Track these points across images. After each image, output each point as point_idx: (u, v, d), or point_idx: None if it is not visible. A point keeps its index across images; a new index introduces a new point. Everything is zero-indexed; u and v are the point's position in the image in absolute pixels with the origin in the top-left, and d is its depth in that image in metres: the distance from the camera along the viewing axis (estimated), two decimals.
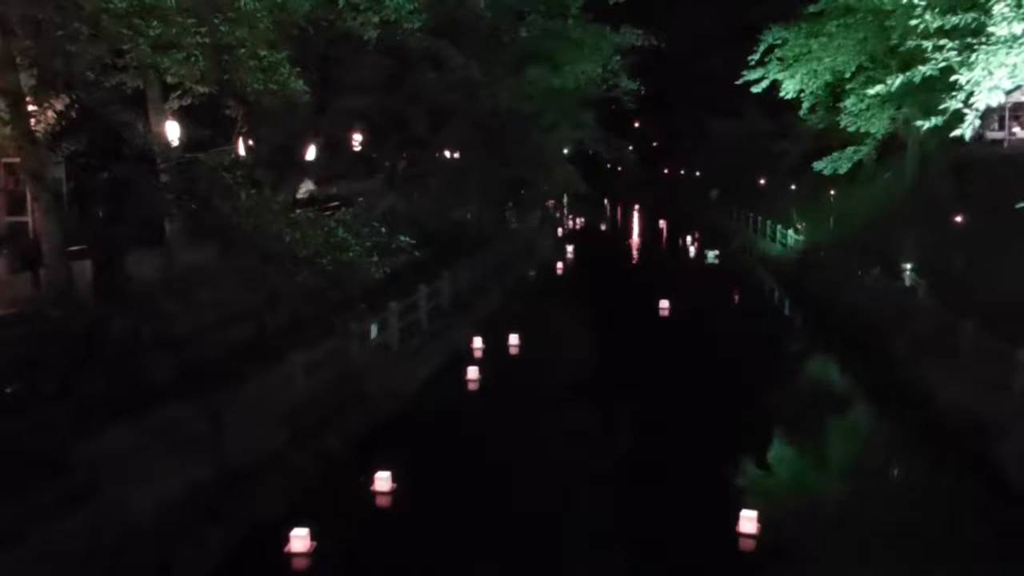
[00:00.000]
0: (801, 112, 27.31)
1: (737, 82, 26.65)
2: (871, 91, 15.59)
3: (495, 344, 20.20)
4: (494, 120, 28.70)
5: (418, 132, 26.64)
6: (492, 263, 28.66)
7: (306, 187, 23.13)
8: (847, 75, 23.33)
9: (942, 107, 12.70)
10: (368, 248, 15.69)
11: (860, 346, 19.62)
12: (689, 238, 46.07)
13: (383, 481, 11.88)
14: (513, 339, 20.61)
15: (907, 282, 21.42)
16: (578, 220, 58.76)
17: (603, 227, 58.55)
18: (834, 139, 27.21)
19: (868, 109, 23.49)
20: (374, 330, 16.90)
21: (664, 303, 25.12)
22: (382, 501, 11.76)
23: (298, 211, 16.73)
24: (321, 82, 19.46)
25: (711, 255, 37.47)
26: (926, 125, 13.55)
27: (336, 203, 22.70)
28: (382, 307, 17.48)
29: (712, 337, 22.25)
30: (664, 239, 52.04)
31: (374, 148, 27.87)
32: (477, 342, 20.13)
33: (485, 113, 27.94)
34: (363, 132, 26.72)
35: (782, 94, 25.67)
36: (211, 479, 10.49)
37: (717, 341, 21.76)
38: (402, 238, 17.80)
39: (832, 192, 33.40)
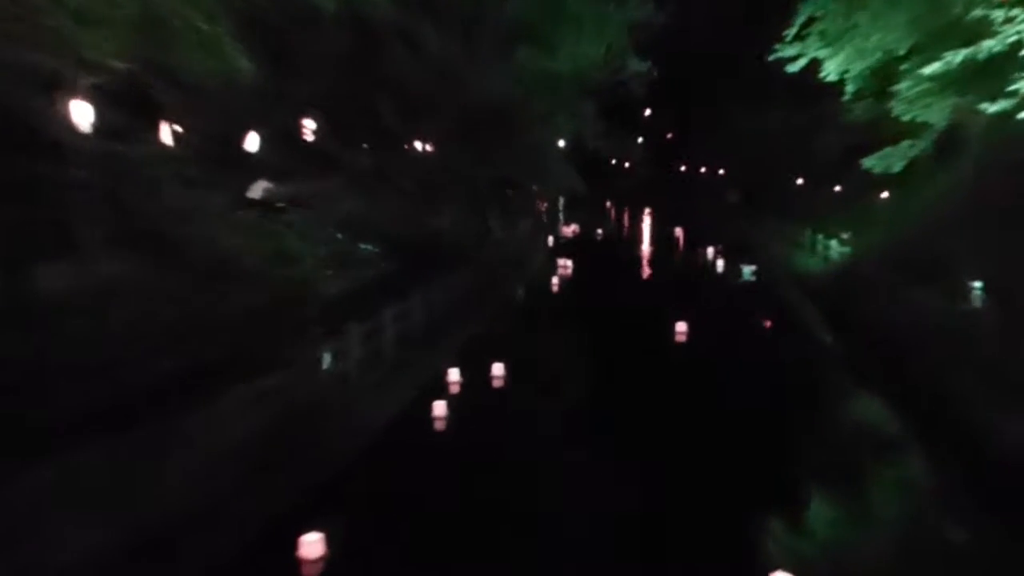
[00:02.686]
0: (845, 98, 27.51)
1: (769, 59, 26.79)
2: (928, 70, 15.75)
3: (475, 377, 20.21)
4: (477, 110, 28.79)
5: (386, 122, 26.67)
6: (473, 279, 28.67)
7: (258, 186, 23.11)
8: (900, 54, 23.47)
9: (1011, 88, 12.82)
10: (324, 259, 15.68)
11: (917, 387, 19.61)
12: (711, 250, 46.28)
13: (313, 546, 11.73)
14: (497, 370, 20.61)
15: (974, 302, 21.51)
16: (576, 228, 58.98)
17: (606, 236, 58.71)
18: (885, 131, 27.39)
19: (925, 94, 23.62)
20: (329, 359, 16.81)
21: (680, 328, 25.20)
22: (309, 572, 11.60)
23: (240, 214, 16.72)
24: (271, 62, 19.48)
25: (746, 272, 37.74)
26: (992, 108, 13.68)
27: (286, 205, 22.67)
28: (340, 331, 17.45)
29: (737, 372, 22.15)
30: (679, 251, 52.26)
31: (333, 141, 27.82)
32: (454, 374, 20.08)
33: (466, 101, 28.02)
34: (320, 121, 26.71)
35: (822, 75, 25.81)
36: (109, 548, 10.35)
37: (743, 377, 21.61)
38: (365, 248, 17.82)
39: (883, 195, 33.65)
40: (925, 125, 24.94)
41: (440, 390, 19.05)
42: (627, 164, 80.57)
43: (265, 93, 20.33)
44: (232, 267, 14.45)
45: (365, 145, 29.00)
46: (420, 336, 22.05)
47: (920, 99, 23.77)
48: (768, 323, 29.83)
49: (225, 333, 15.56)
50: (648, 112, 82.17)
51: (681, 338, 25.42)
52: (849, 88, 26.63)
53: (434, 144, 32.46)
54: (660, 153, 78.84)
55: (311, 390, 15.69)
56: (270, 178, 24.04)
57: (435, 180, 30.70)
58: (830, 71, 25.44)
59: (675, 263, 46.81)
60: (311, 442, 14.82)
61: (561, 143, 46.53)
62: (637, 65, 32.31)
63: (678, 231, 58.69)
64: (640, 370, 22.22)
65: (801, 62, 25.93)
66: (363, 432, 16.28)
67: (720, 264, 42.53)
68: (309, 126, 26.56)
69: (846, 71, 25.43)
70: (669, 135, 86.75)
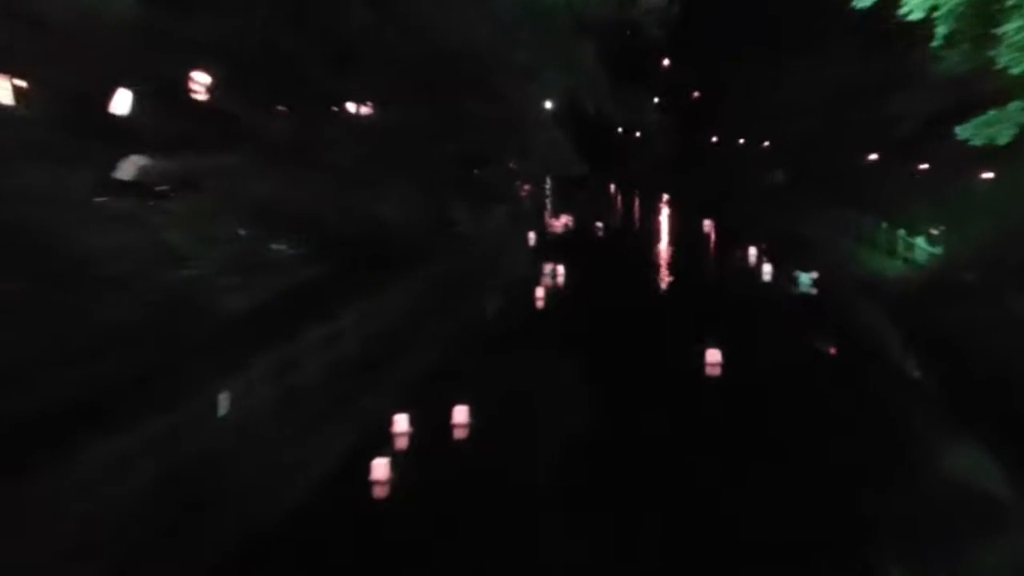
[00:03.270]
0: (933, 45, 27.52)
1: None
2: None
3: (431, 424, 20.21)
4: (435, 59, 28.70)
5: (311, 75, 26.51)
6: (430, 290, 28.65)
7: (130, 163, 22.88)
8: None
9: None
10: (223, 263, 15.50)
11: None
12: (753, 250, 46.31)
13: None
14: (459, 415, 20.61)
15: None
16: (569, 220, 59.01)
17: (610, 231, 58.81)
18: (988, 90, 27.45)
19: None
20: (226, 401, 16.63)
21: (714, 359, 25.34)
22: None
23: (106, 200, 16.54)
24: None
25: (804, 280, 37.83)
26: None
27: (170, 188, 22.45)
28: (244, 361, 17.26)
29: (795, 424, 21.79)
30: (709, 252, 52.43)
31: (237, 100, 27.61)
32: (401, 421, 20.02)
33: (422, 47, 27.91)
34: (218, 74, 26.48)
35: (902, 12, 25.75)
36: None
37: (804, 435, 21.14)
38: (279, 247, 17.62)
39: (986, 176, 33.74)
40: None
41: (381, 445, 18.87)
42: (639, 134, 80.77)
43: (148, 34, 20.13)
44: (93, 273, 14.23)
45: (281, 107, 28.79)
46: (356, 369, 21.93)
47: None
48: (834, 351, 29.81)
49: (80, 364, 15.31)
50: (667, 64, 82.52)
51: (713, 371, 25.30)
52: (939, 30, 26.57)
53: (377, 106, 32.28)
54: (683, 119, 78.90)
55: (198, 447, 15.43)
56: (148, 151, 23.78)
57: (379, 154, 30.45)
58: (913, 5, 25.42)
59: (704, 269, 46.94)
60: (204, 520, 14.53)
61: (549, 105, 46.48)
62: None
63: (707, 224, 58.97)
64: (652, 417, 22.05)
65: None
66: (267, 513, 15.91)
67: (766, 270, 42.59)
68: (201, 80, 26.32)
69: (935, 5, 25.42)
70: (695, 95, 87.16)
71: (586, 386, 24.80)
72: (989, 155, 29.49)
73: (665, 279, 43.53)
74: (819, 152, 54.04)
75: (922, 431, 22.93)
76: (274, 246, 19.47)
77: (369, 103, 32.39)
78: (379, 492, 17.24)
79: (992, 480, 19.90)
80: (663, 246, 54.14)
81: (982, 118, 27.15)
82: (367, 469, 17.45)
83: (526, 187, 49.64)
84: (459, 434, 20.18)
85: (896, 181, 42.11)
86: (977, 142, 27.43)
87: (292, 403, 18.80)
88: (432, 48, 28.54)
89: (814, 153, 55.01)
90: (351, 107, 32.45)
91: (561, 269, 40.33)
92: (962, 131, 27.85)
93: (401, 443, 19.37)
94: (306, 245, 25.56)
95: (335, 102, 30.39)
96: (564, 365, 26.83)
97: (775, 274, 41.55)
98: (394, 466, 17.66)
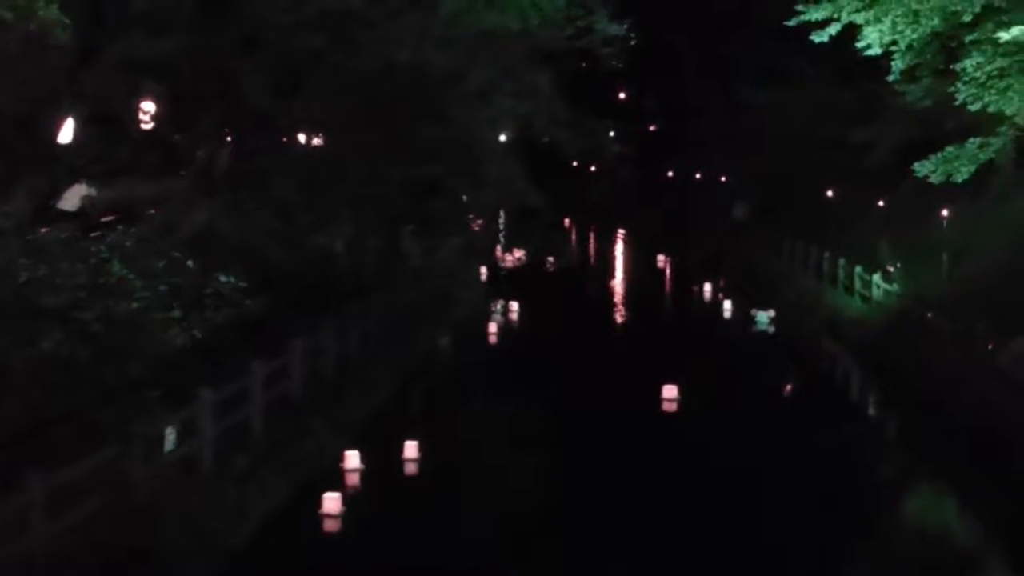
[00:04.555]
0: (891, 77, 27.84)
1: (789, 23, 27.03)
2: (1005, 36, 15.95)
3: (382, 461, 20.40)
4: (386, 83, 28.73)
5: (256, 99, 26.50)
6: (379, 324, 28.72)
7: (74, 193, 22.87)
8: (967, 20, 23.76)
9: None
10: (165, 295, 15.54)
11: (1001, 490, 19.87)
12: (710, 287, 46.61)
13: None
14: (410, 451, 20.84)
15: None
16: (520, 254, 58.90)
17: (564, 266, 58.76)
18: (950, 126, 27.76)
19: (1001, 74, 23.95)
20: (171, 437, 16.63)
21: (668, 395, 25.70)
22: None
23: (45, 231, 16.54)
24: (90, 11, 19.36)
25: (762, 318, 38.27)
26: None
27: (112, 219, 22.45)
28: (187, 397, 17.26)
29: (749, 465, 22.08)
30: (666, 288, 52.63)
31: (178, 126, 27.65)
32: (352, 458, 20.23)
33: (372, 70, 27.98)
34: (159, 98, 26.49)
35: (861, 45, 26.01)
36: None
37: (757, 475, 21.52)
38: (224, 279, 17.69)
39: (945, 212, 34.23)
40: (1001, 117, 25.29)
41: (332, 481, 19.06)
42: (596, 166, 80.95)
43: (84, 54, 20.18)
44: (32, 304, 14.25)
45: (225, 133, 28.79)
46: (303, 405, 21.93)
47: (993, 81, 24.17)
48: (788, 389, 30.09)
49: (20, 397, 15.31)
50: (625, 95, 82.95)
51: (669, 407, 25.72)
52: (897, 64, 26.86)
53: (326, 134, 32.27)
54: (641, 150, 78.71)
55: (148, 479, 15.44)
56: (90, 180, 23.82)
57: (325, 184, 30.42)
58: (871, 40, 25.59)
59: (659, 305, 47.12)
60: (147, 558, 14.52)
61: (503, 136, 46.56)
62: (610, 26, 32.37)
63: (665, 259, 59.16)
64: (604, 458, 22.30)
65: (833, 28, 26.17)
66: (222, 542, 16.04)
67: (724, 307, 43.00)
68: (146, 108, 26.33)
69: (893, 41, 25.65)
70: (653, 126, 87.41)
71: (534, 419, 25.15)
72: (948, 192, 29.93)
73: (620, 315, 43.70)
74: (781, 186, 54.29)
75: (874, 466, 23.38)
76: (218, 278, 19.40)
77: (317, 131, 32.38)
78: (330, 528, 17.39)
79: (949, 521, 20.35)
80: (618, 281, 54.29)
81: (941, 154, 27.31)
82: (318, 504, 17.62)
83: (478, 221, 49.48)
84: (409, 471, 20.47)
85: (856, 216, 42.57)
86: (936, 179, 27.56)
87: (240, 439, 18.75)
88: (382, 74, 28.61)
89: (776, 187, 55.28)
90: (300, 136, 32.45)
91: (514, 305, 40.54)
92: (920, 167, 27.97)
93: (351, 479, 19.63)
94: (250, 277, 25.48)
95: (282, 129, 30.41)
96: (513, 399, 27.24)
97: (732, 311, 41.92)
98: (345, 501, 17.85)
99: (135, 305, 15.08)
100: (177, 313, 16.02)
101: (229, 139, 29.02)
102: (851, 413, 27.03)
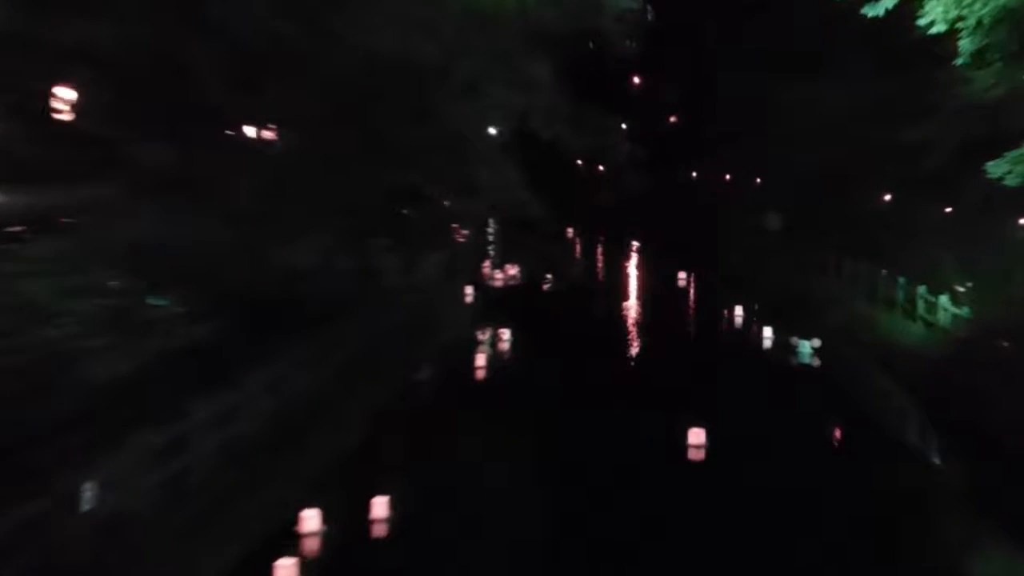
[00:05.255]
0: (958, 61, 27.80)
1: None
2: None
3: (346, 521, 20.43)
4: (362, 74, 28.75)
5: (207, 92, 26.46)
6: (349, 354, 28.82)
7: None
8: None
9: None
10: (92, 320, 15.45)
11: None
12: (741, 310, 46.54)
13: None
14: (379, 508, 20.86)
15: None
16: (515, 271, 58.96)
17: (566, 284, 58.82)
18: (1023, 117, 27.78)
19: None
20: (92, 492, 16.51)
21: (696, 441, 25.66)
22: None
23: None
24: None
25: (804, 349, 38.28)
26: None
27: (29, 228, 22.35)
28: (119, 439, 17.20)
29: (795, 524, 22.08)
30: (688, 312, 52.61)
31: (113, 121, 27.54)
32: (310, 519, 20.16)
33: (344, 60, 28.02)
34: (88, 89, 26.42)
35: (923, 23, 25.97)
36: None
37: (803, 549, 21.18)
38: (161, 303, 17.62)
39: (1023, 221, 34.22)
40: None
41: (287, 545, 18.94)
42: (604, 167, 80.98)
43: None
44: None
45: (170, 130, 28.69)
46: (257, 451, 21.89)
47: None
48: (836, 436, 29.96)
49: None
50: (639, 82, 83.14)
51: (696, 455, 25.57)
52: (964, 45, 26.85)
53: (286, 132, 32.26)
54: (658, 149, 78.93)
55: (73, 536, 15.37)
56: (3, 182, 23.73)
57: (289, 191, 30.34)
58: (935, 16, 25.60)
59: (682, 333, 46.94)
60: None
61: (496, 131, 46.54)
62: (622, 2, 32.30)
63: (686, 277, 59.11)
64: (615, 513, 22.31)
65: (887, 3, 26.13)
66: None
67: (758, 335, 42.97)
68: (70, 97, 26.24)
69: (959, 17, 25.61)
70: (672, 120, 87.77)
71: (531, 478, 24.76)
72: None
73: (633, 345, 43.59)
74: (823, 191, 54.35)
75: (948, 526, 23.10)
76: (157, 300, 19.30)
77: (277, 127, 32.31)
78: None
79: None
80: (631, 304, 54.28)
81: (1019, 152, 27.33)
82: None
83: (464, 233, 49.56)
84: (377, 534, 20.47)
85: (916, 226, 42.52)
86: (1012, 182, 27.60)
87: (180, 491, 18.74)
88: (355, 62, 28.58)
89: (816, 192, 55.33)
90: (253, 131, 32.36)
91: (505, 333, 40.51)
92: (993, 168, 28.06)
93: (309, 544, 19.52)
94: (196, 298, 25.40)
95: (235, 125, 30.32)
96: (506, 454, 26.72)
97: (768, 340, 41.90)
98: (302, 571, 17.80)
99: (59, 331, 14.99)
100: (105, 341, 15.90)
101: (174, 137, 28.95)
102: (915, 470, 26.70)
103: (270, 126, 32.26)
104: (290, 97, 29.03)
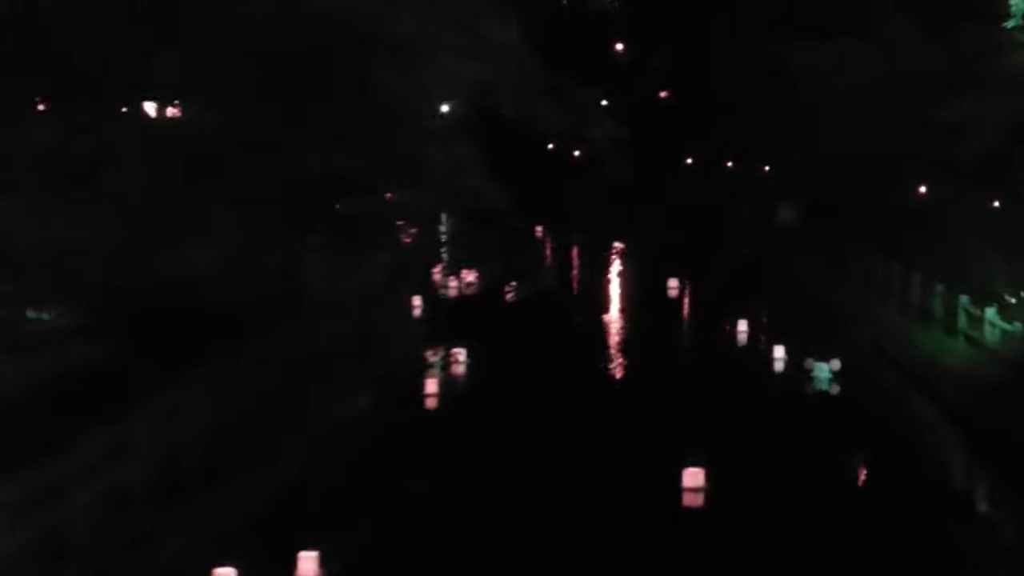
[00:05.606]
0: (1010, 23, 27.88)
1: None
2: None
3: None
4: (287, 37, 28.69)
5: (82, 57, 26.33)
6: (268, 378, 28.86)
7: None
8: None
9: None
10: None
11: None
12: (745, 324, 46.65)
13: None
14: (307, 568, 20.72)
15: None
16: (473, 277, 58.99)
17: (534, 293, 58.92)
18: None
19: None
20: None
21: (691, 483, 25.70)
22: None
23: None
24: None
25: (822, 372, 38.25)
26: None
27: None
28: None
29: None
30: (681, 325, 52.88)
31: None
32: None
33: (267, 21, 27.95)
34: None
35: None
36: None
37: None
38: (37, 317, 17.43)
39: None
40: None
41: None
42: (579, 151, 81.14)
43: None
44: None
45: (43, 102, 28.57)
46: (156, 497, 21.83)
47: None
48: (859, 477, 29.96)
49: None
50: (623, 49, 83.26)
51: (692, 500, 25.65)
52: (1018, 3, 26.93)
53: (192, 108, 32.17)
54: (645, 130, 79.20)
55: None
56: None
57: (195, 178, 30.22)
58: None
59: (672, 353, 46.98)
60: None
61: (449, 108, 46.57)
62: None
63: (678, 285, 59.43)
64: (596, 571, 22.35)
65: None
66: None
67: (765, 355, 42.99)
68: None
69: None
70: (663, 93, 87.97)
71: (485, 531, 24.61)
72: None
73: (613, 367, 43.64)
74: (844, 180, 54.52)
75: None
76: (32, 313, 19.19)
77: (174, 100, 32.21)
78: None
79: None
80: (612, 318, 54.42)
81: None
82: None
83: (411, 231, 49.52)
84: None
85: (957, 224, 42.60)
86: None
87: (54, 547, 18.57)
88: (274, 16, 28.51)
89: (837, 181, 55.51)
90: (150, 107, 32.24)
91: (461, 353, 40.47)
92: None
93: None
94: (83, 309, 25.28)
95: (121, 97, 30.18)
96: (456, 501, 26.74)
97: (778, 362, 41.87)
98: None
99: None
100: None
101: (50, 110, 28.80)
102: (959, 526, 26.66)
103: (175, 102, 32.18)
104: (194, 63, 28.93)
